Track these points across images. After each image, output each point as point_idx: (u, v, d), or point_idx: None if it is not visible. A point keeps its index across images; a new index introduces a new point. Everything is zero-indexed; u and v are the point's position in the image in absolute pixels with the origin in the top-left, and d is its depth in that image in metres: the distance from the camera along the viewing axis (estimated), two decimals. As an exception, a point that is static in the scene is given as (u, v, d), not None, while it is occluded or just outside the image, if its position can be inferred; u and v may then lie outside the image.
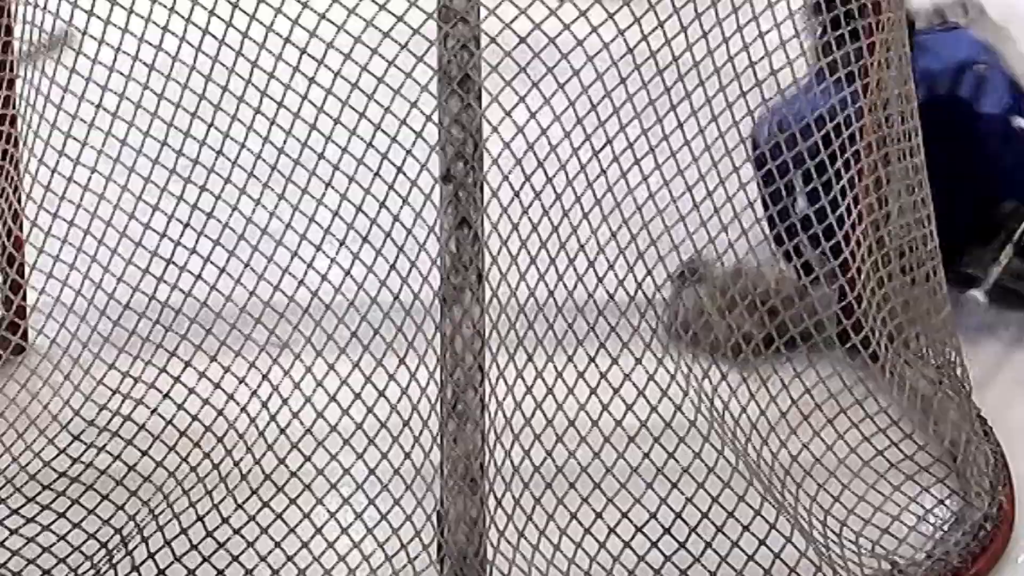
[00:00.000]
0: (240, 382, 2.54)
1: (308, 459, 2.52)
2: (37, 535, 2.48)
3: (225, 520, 2.45)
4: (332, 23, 2.32)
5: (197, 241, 2.50)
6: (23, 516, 2.52)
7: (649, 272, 2.43)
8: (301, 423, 2.51)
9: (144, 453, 2.56)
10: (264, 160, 2.43)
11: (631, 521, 2.42)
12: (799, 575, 2.40)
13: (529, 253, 2.33)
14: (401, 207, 2.36)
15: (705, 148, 2.40)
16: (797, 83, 2.50)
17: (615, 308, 2.43)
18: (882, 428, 2.61)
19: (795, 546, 2.41)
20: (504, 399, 2.33)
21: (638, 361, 2.44)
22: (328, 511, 2.48)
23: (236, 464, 2.51)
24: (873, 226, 2.60)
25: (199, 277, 2.51)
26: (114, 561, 2.41)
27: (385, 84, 2.31)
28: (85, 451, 2.58)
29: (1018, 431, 2.76)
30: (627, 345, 2.43)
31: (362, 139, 2.36)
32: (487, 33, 2.24)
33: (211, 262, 2.50)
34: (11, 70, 2.64)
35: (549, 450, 2.38)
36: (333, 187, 2.40)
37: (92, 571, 2.41)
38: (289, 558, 2.42)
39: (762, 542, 2.41)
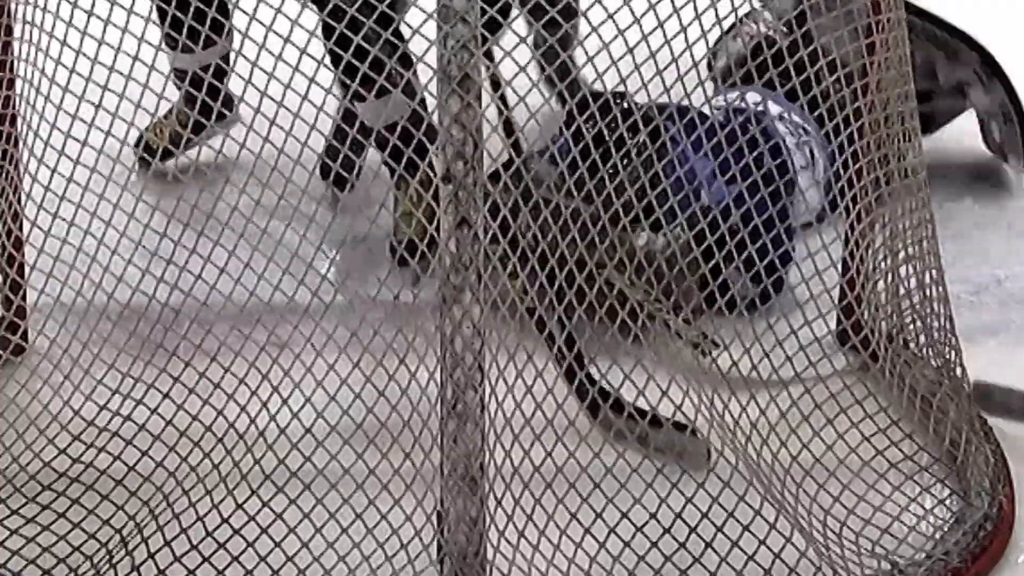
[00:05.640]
0: (240, 382, 2.54)
1: (308, 459, 2.52)
2: (37, 535, 2.48)
3: (225, 520, 2.45)
4: (332, 23, 2.32)
5: (197, 241, 2.50)
6: (23, 516, 2.52)
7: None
8: (301, 423, 2.51)
9: (144, 453, 2.56)
10: (264, 160, 2.43)
11: (631, 521, 2.42)
12: (799, 575, 2.40)
13: (529, 254, 2.33)
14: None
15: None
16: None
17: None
18: (882, 428, 2.61)
19: (795, 546, 2.40)
20: (504, 399, 2.33)
21: (638, 361, 2.44)
22: (328, 511, 2.48)
23: (236, 464, 2.51)
24: (872, 225, 2.60)
25: (199, 277, 2.51)
26: (114, 561, 2.41)
27: (385, 84, 2.30)
28: (85, 451, 2.58)
29: (1018, 431, 2.76)
30: (627, 345, 2.43)
31: (361, 139, 2.36)
32: (487, 34, 2.23)
33: (211, 262, 2.50)
34: (11, 70, 2.64)
35: (549, 450, 2.38)
36: (333, 187, 2.40)
37: (92, 571, 2.41)
38: (289, 558, 2.42)
39: (762, 542, 2.40)
